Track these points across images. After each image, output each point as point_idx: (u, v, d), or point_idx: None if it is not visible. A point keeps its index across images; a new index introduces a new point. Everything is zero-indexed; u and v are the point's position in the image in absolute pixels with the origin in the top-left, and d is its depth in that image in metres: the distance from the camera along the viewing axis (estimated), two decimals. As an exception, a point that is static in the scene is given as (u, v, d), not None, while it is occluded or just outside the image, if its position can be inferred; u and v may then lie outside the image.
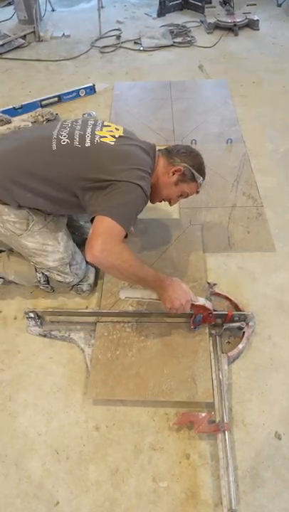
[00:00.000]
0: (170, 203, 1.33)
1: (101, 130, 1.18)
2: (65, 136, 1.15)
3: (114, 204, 1.04)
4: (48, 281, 1.36)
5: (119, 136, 1.18)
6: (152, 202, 1.30)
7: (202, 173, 1.26)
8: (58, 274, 1.32)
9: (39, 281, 1.36)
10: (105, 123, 1.24)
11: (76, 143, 1.13)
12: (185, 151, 1.25)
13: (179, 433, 1.10)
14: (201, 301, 1.16)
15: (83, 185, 1.10)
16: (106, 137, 1.16)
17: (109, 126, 1.22)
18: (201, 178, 1.26)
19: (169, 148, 1.27)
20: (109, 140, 1.15)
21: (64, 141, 1.14)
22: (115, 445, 1.08)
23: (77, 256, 1.35)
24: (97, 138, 1.15)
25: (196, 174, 1.23)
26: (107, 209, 1.03)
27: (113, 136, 1.17)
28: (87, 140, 1.14)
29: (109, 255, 1.00)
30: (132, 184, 1.06)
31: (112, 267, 1.02)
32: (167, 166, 1.23)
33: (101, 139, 1.15)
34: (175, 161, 1.23)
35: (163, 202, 1.33)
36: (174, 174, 1.22)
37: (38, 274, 1.34)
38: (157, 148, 1.26)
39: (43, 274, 1.34)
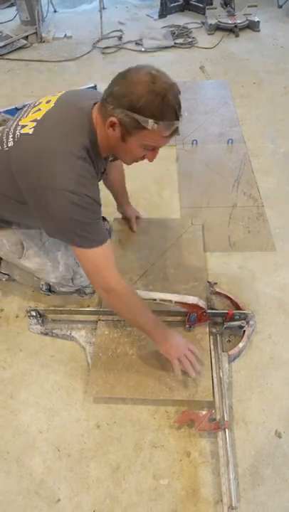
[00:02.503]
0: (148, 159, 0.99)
1: (26, 116, 0.96)
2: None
3: (57, 229, 0.92)
4: (50, 289, 1.37)
5: (44, 115, 0.93)
6: (126, 164, 1.05)
7: (151, 108, 0.81)
8: (61, 286, 1.33)
9: (41, 289, 1.37)
10: (39, 100, 1.01)
11: (4, 146, 0.96)
12: (117, 86, 0.84)
13: (180, 431, 1.10)
14: (194, 299, 1.17)
15: (19, 200, 0.97)
16: (26, 126, 0.93)
17: (40, 103, 0.99)
18: (151, 121, 0.81)
19: (107, 89, 0.88)
20: (29, 128, 0.91)
21: None
22: (116, 443, 1.09)
23: (81, 270, 1.28)
24: (18, 131, 0.93)
25: (138, 117, 0.82)
26: (64, 237, 0.95)
27: (34, 120, 0.92)
28: (10, 138, 0.94)
29: (112, 298, 0.99)
30: (55, 191, 0.86)
31: (113, 307, 1.03)
32: (104, 120, 0.89)
33: (21, 131, 0.92)
34: (107, 110, 0.85)
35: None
36: (114, 129, 0.88)
37: (41, 282, 1.35)
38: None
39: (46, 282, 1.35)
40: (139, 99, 0.81)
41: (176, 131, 0.89)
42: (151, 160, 0.99)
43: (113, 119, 0.85)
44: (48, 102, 0.98)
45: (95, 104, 0.94)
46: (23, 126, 0.94)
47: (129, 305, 1.01)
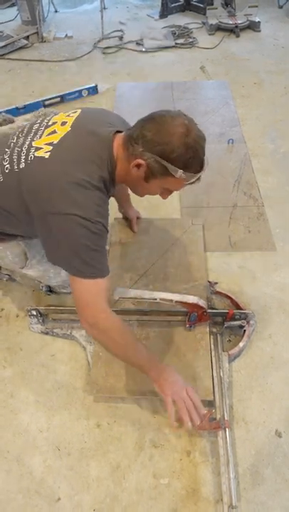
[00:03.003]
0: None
1: (40, 138, 0.94)
2: (7, 161, 0.95)
3: (66, 257, 0.88)
4: (50, 289, 1.38)
5: (61, 139, 0.92)
6: (138, 195, 1.07)
7: (183, 159, 0.85)
8: (63, 288, 1.33)
9: (41, 290, 1.38)
10: (53, 119, 0.99)
11: (15, 166, 0.93)
12: (150, 131, 0.85)
13: (180, 430, 1.10)
14: (194, 299, 1.16)
15: (26, 220, 0.95)
16: (41, 148, 0.91)
17: (55, 123, 0.97)
18: (181, 171, 0.85)
19: (133, 129, 0.90)
20: (44, 151, 0.90)
21: (7, 168, 0.94)
22: (116, 442, 1.09)
23: None
24: (31, 153, 0.91)
25: (168, 166, 0.85)
26: (63, 265, 0.91)
27: (50, 144, 0.91)
28: (22, 159, 0.92)
29: (99, 333, 0.92)
30: (73, 217, 0.84)
31: (101, 342, 0.96)
32: (128, 157, 0.90)
33: (35, 154, 0.91)
34: (135, 151, 0.87)
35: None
36: (138, 168, 0.90)
37: (41, 284, 1.35)
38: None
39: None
40: (173, 151, 0.84)
41: (198, 180, 0.92)
42: (165, 198, 1.01)
43: (141, 161, 0.87)
44: (63, 123, 0.96)
45: (115, 133, 0.94)
46: (38, 149, 0.92)
47: (117, 341, 0.93)
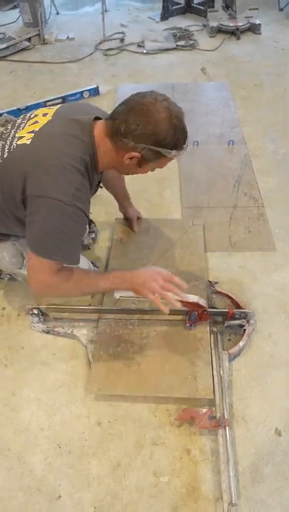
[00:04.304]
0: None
1: (23, 129, 0.98)
2: None
3: (35, 235, 0.91)
4: None
5: (41, 127, 0.95)
6: (123, 174, 1.15)
7: (173, 141, 0.90)
8: None
9: None
10: (35, 112, 1.03)
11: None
12: (138, 125, 0.87)
13: (180, 429, 1.11)
14: (194, 298, 1.17)
15: (14, 214, 0.99)
16: (23, 137, 0.95)
17: (36, 115, 1.01)
18: (174, 151, 0.92)
19: (116, 121, 0.90)
20: (27, 138, 0.93)
21: None
22: (117, 440, 1.10)
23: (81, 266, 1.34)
24: (14, 143, 0.96)
25: (162, 150, 0.91)
26: (30, 242, 0.93)
27: (32, 132, 0.94)
28: (6, 150, 0.96)
29: (48, 290, 0.99)
30: (50, 200, 0.87)
31: (58, 295, 1.03)
32: (118, 150, 0.94)
33: (18, 142, 0.95)
34: (126, 145, 0.91)
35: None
36: (131, 159, 0.94)
37: None
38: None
39: None
40: (165, 137, 0.90)
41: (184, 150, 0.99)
42: (153, 171, 1.06)
43: (135, 154, 0.92)
44: (44, 114, 0.99)
45: (94, 119, 0.97)
46: (20, 138, 0.96)
47: (71, 291, 1.01)
